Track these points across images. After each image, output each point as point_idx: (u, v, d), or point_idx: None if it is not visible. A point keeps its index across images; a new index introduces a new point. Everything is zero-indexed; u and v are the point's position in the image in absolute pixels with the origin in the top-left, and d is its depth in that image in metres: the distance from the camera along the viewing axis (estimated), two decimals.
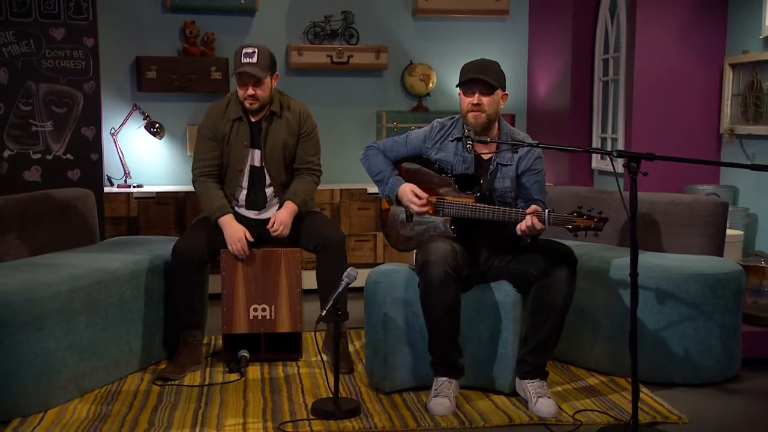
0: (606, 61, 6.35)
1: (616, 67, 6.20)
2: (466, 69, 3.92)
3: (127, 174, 6.27)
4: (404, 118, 6.67)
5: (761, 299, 4.65)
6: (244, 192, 4.49)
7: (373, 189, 6.28)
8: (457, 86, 3.93)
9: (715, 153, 5.73)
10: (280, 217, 4.40)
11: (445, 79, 6.91)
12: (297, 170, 4.56)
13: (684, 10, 5.66)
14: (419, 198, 3.93)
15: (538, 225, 3.61)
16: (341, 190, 6.25)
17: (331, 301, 3.69)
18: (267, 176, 4.48)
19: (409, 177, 4.05)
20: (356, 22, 6.68)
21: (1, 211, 4.27)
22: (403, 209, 4.05)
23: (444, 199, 3.92)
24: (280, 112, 4.47)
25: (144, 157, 6.48)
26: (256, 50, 4.33)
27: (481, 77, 3.82)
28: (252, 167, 4.47)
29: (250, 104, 4.37)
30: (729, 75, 5.58)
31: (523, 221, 3.64)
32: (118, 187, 6.16)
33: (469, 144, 3.79)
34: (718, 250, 4.45)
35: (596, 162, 6.52)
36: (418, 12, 6.75)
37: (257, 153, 4.46)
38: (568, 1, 6.46)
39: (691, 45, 5.68)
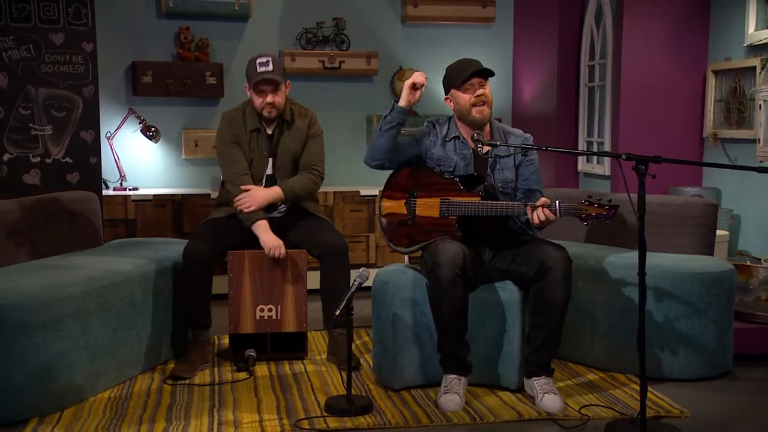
0: (592, 68, 6.51)
1: (602, 73, 6.37)
2: (459, 68, 4.04)
3: (122, 177, 6.32)
4: None
5: (747, 297, 4.83)
6: None
7: (365, 191, 6.41)
8: (452, 88, 4.03)
9: (698, 156, 5.92)
10: (253, 192, 4.45)
11: (434, 84, 7.00)
12: (300, 170, 4.66)
13: (668, 19, 5.85)
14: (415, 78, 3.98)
15: (551, 216, 3.74)
16: (334, 192, 6.36)
17: (345, 301, 3.78)
18: (278, 182, 4.58)
19: (413, 180, 4.13)
20: (347, 29, 6.80)
21: (10, 214, 4.33)
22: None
23: (449, 200, 4.02)
24: (292, 120, 4.60)
25: (140, 160, 6.55)
26: (270, 59, 4.47)
27: (480, 68, 3.97)
28: (267, 176, 4.58)
29: (269, 112, 4.49)
30: (712, 81, 5.77)
31: (535, 214, 3.76)
32: (114, 190, 6.22)
33: (480, 147, 3.90)
34: (708, 249, 4.60)
35: (582, 164, 6.69)
36: (407, 19, 6.88)
37: (271, 161, 4.59)
38: (554, 10, 6.63)
39: (676, 52, 5.87)
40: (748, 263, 4.90)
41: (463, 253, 3.83)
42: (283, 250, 4.43)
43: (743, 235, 5.55)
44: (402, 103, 4.00)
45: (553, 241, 4.12)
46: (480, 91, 3.98)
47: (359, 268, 3.91)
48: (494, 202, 3.93)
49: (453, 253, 3.79)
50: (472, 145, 4.04)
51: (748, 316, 4.66)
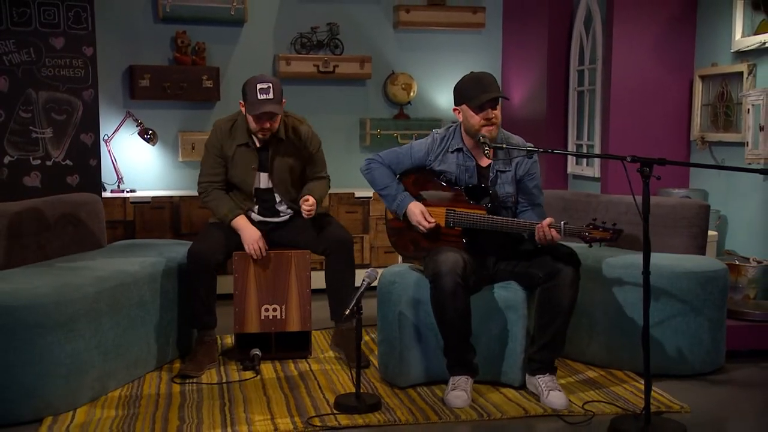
0: (581, 72, 6.65)
1: (592, 78, 6.50)
2: (476, 87, 4.04)
3: (120, 179, 6.37)
4: (387, 125, 6.92)
5: (736, 295, 4.98)
6: (256, 208, 4.65)
7: (360, 193, 6.49)
8: (464, 102, 4.06)
9: (685, 158, 6.06)
10: (312, 200, 4.49)
11: (426, 88, 7.17)
12: (310, 178, 4.73)
13: (657, 25, 6.00)
14: (428, 221, 4.11)
15: (557, 237, 3.85)
16: (329, 194, 6.42)
17: (354, 300, 3.86)
18: (277, 196, 4.64)
19: (417, 188, 4.22)
20: (341, 34, 6.90)
21: (19, 216, 4.37)
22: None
23: (455, 210, 4.11)
24: (286, 135, 4.58)
25: (137, 162, 6.60)
26: (270, 85, 4.37)
27: (497, 95, 4.02)
28: (257, 189, 4.61)
29: (263, 135, 4.48)
30: (699, 86, 5.92)
31: (542, 232, 3.86)
32: (112, 192, 6.27)
33: (487, 149, 4.01)
34: (701, 249, 4.72)
35: (571, 166, 6.82)
36: (400, 24, 6.99)
37: (263, 176, 4.59)
38: (543, 16, 6.76)
39: (664, 57, 6.02)
40: (737, 262, 5.04)
41: (464, 261, 3.93)
42: (262, 244, 4.49)
43: (730, 235, 5.70)
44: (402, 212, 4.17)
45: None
46: (492, 114, 4.04)
47: (368, 268, 4.00)
48: (501, 218, 4.03)
49: (453, 262, 3.89)
50: (478, 159, 4.14)
51: (737, 314, 4.78)
